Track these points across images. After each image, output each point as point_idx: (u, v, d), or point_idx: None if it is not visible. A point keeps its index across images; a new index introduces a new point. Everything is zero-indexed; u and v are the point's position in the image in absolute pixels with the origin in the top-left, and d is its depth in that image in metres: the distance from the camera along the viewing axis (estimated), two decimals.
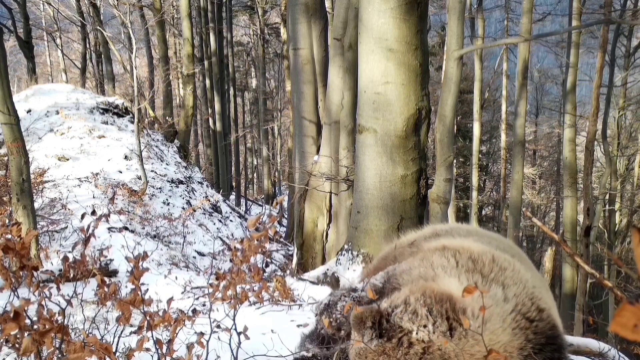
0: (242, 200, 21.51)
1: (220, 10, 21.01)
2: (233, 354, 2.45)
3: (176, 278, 5.50)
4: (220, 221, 12.07)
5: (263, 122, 22.94)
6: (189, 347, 2.31)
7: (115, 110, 13.45)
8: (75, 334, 3.24)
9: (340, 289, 2.65)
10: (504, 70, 18.67)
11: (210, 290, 2.69)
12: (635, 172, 17.65)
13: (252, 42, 26.42)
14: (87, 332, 2.65)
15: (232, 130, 23.36)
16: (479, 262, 2.21)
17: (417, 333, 1.88)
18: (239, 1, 24.81)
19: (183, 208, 10.95)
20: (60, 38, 24.14)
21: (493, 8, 21.71)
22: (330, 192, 7.54)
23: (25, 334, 1.97)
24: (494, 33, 23.67)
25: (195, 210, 10.93)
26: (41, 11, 24.84)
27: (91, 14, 18.34)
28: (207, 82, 21.05)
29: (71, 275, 4.40)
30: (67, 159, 10.70)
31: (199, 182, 13.76)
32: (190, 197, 11.90)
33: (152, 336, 2.30)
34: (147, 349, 2.33)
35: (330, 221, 7.70)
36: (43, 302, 2.18)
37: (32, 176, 6.65)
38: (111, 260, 5.49)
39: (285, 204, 11.55)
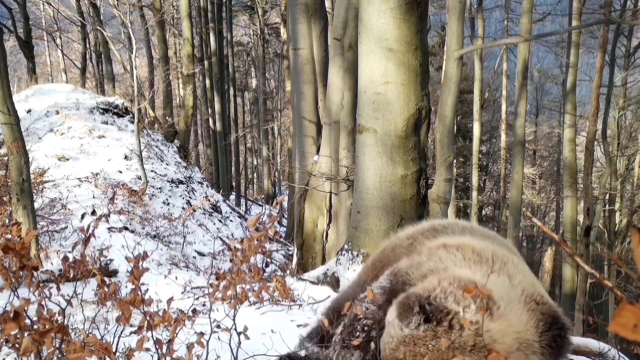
0: (242, 200, 21.51)
1: (220, 10, 21.01)
2: (233, 354, 2.45)
3: (176, 278, 5.50)
4: (220, 221, 12.08)
5: (263, 122, 22.94)
6: (189, 347, 2.31)
7: (115, 110, 13.44)
8: (75, 334, 3.24)
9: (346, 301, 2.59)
10: (504, 70, 18.66)
11: (210, 290, 2.69)
12: (635, 172, 17.64)
13: (252, 42, 26.42)
14: (87, 332, 2.65)
15: (232, 130, 23.35)
16: (483, 256, 2.27)
17: (464, 313, 1.86)
18: (239, 1, 24.80)
19: (183, 208, 10.95)
20: (60, 38, 24.13)
21: (493, 8, 21.71)
22: (330, 192, 7.54)
23: (25, 334, 1.97)
24: (494, 33, 23.68)
25: (195, 210, 10.93)
26: (41, 11, 24.84)
27: (91, 14, 18.34)
28: (207, 82, 21.04)
29: (71, 275, 4.40)
30: (67, 159, 10.70)
31: (199, 182, 13.76)
32: (190, 197, 11.90)
33: (152, 336, 2.30)
34: (147, 349, 2.33)
35: (330, 221, 7.70)
36: (43, 302, 2.18)
37: (32, 176, 6.64)
38: (111, 260, 5.49)
39: (285, 204, 11.56)
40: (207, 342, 2.41)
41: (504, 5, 19.84)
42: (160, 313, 2.54)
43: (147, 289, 2.63)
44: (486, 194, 24.27)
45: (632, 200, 17.70)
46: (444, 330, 1.84)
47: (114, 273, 5.51)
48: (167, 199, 10.94)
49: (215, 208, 12.75)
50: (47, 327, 2.04)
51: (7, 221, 2.93)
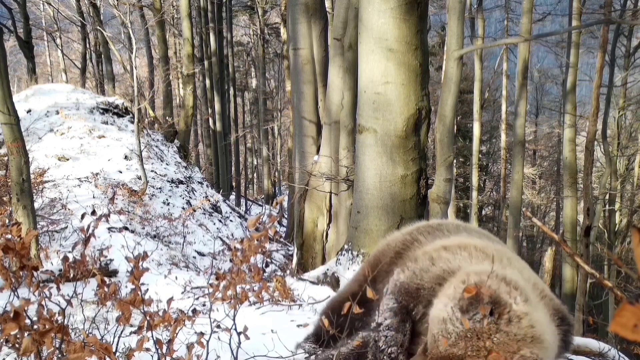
0: (242, 200, 21.51)
1: (220, 10, 21.01)
2: (233, 354, 2.45)
3: (176, 278, 5.50)
4: (220, 221, 12.07)
5: (263, 122, 22.94)
6: (189, 347, 2.31)
7: (115, 110, 13.45)
8: (75, 334, 3.24)
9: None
10: (504, 70, 18.66)
11: (210, 290, 2.69)
12: (635, 172, 17.64)
13: (252, 42, 26.41)
14: (87, 332, 2.65)
15: (232, 130, 23.35)
16: (487, 253, 2.29)
17: (516, 305, 1.85)
18: (239, 1, 24.80)
19: (183, 208, 10.95)
20: (60, 38, 24.13)
21: (493, 8, 21.71)
22: (330, 192, 7.54)
23: (25, 334, 1.97)
24: (494, 33, 23.68)
25: (195, 210, 10.93)
26: (41, 11, 24.83)
27: (91, 14, 18.34)
28: (207, 82, 21.04)
29: (71, 275, 4.39)
30: (67, 159, 10.70)
31: (199, 182, 13.76)
32: (190, 197, 11.90)
33: (152, 336, 2.30)
34: (147, 349, 2.33)
35: (330, 221, 7.70)
36: (43, 302, 2.18)
37: (32, 176, 6.64)
38: (111, 260, 5.49)
39: (285, 204, 11.56)
40: (207, 342, 2.41)
41: (504, 5, 19.84)
42: (160, 313, 2.53)
43: (147, 289, 2.62)
44: (486, 194, 24.27)
45: (632, 200, 17.70)
46: (505, 323, 1.82)
47: (114, 273, 5.51)
48: (167, 199, 10.94)
49: (215, 208, 12.75)
50: (47, 327, 2.04)
51: (7, 221, 2.92)
